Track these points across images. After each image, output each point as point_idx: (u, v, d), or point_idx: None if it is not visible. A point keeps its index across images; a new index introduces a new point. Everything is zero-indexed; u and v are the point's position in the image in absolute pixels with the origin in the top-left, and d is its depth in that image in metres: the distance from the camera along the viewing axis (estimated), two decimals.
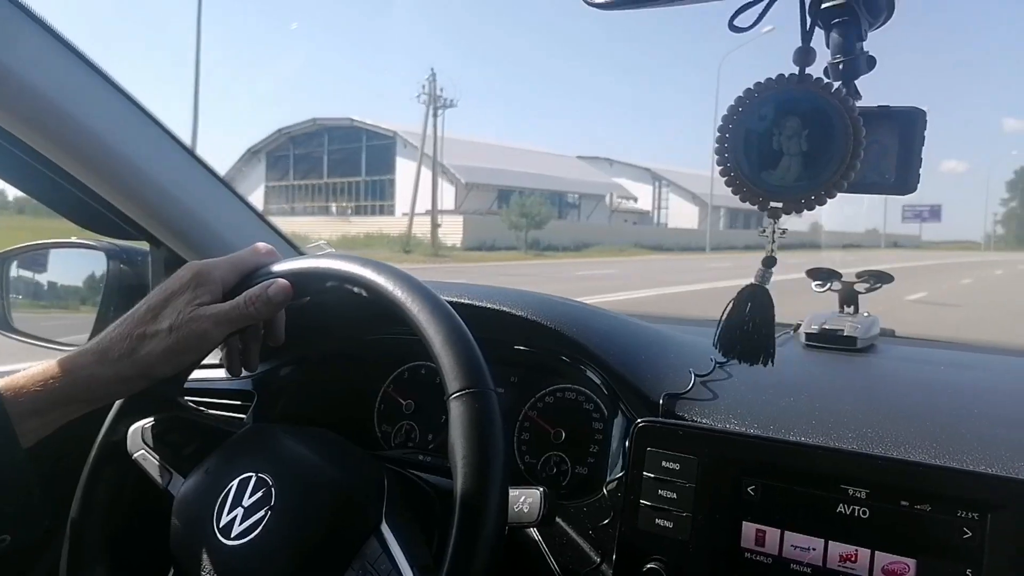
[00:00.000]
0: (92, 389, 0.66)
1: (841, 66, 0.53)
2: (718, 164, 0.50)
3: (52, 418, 0.65)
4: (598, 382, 0.83)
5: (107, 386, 0.67)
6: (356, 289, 0.67)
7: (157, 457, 0.73)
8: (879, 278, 0.99)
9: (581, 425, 0.86)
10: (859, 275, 1.03)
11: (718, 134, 0.50)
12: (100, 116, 0.89)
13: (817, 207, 0.48)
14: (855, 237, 58.26)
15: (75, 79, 0.87)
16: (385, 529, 0.62)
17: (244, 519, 0.64)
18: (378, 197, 42.54)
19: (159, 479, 0.73)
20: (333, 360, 1.03)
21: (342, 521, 0.62)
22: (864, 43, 0.54)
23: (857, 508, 0.60)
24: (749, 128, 0.50)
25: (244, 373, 1.03)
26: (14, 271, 1.14)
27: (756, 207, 0.50)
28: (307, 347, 1.02)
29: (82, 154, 0.89)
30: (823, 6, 0.51)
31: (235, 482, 0.67)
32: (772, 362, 0.53)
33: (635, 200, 50.21)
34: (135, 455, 0.74)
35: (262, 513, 0.63)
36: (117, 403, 0.75)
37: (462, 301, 0.86)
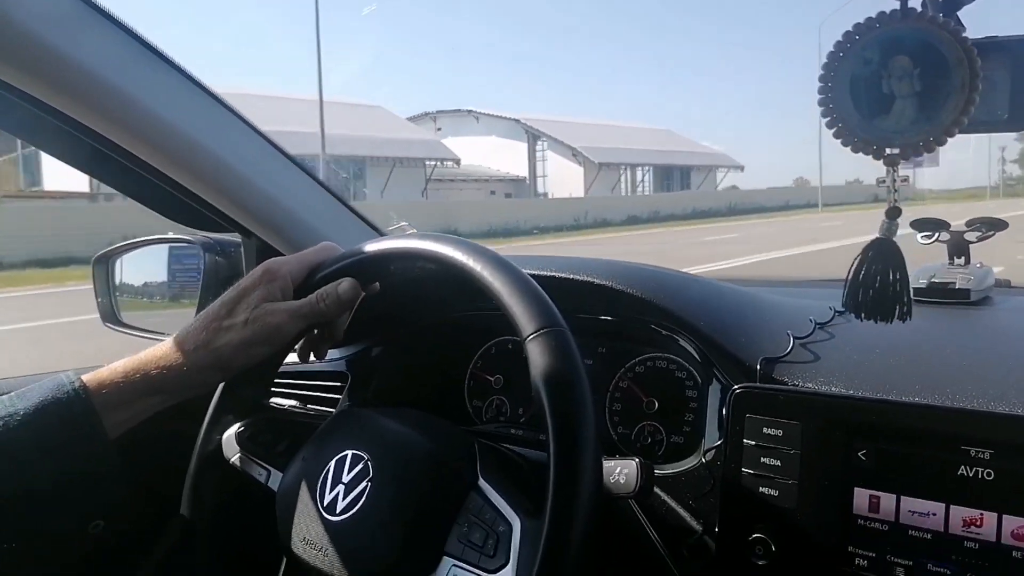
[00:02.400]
0: (171, 380, 0.70)
1: None
2: (824, 116, 0.47)
3: (136, 410, 0.68)
4: (690, 350, 0.80)
5: (185, 376, 0.70)
6: (420, 264, 0.69)
7: (253, 458, 0.77)
8: (991, 225, 0.92)
9: (674, 393, 0.84)
10: (969, 223, 0.96)
11: (820, 84, 0.47)
12: (190, 118, 0.92)
13: (936, 149, 0.45)
14: (837, 192, 47.73)
15: (166, 84, 0.90)
16: (483, 483, 0.63)
17: (346, 494, 0.66)
18: None
19: (259, 478, 0.76)
20: (422, 338, 1.05)
21: (440, 481, 0.63)
22: None
23: (981, 470, 0.56)
24: (854, 74, 0.46)
25: (335, 355, 1.06)
26: (119, 268, 1.20)
27: (870, 156, 0.47)
28: (395, 326, 1.04)
29: (174, 153, 0.93)
30: None
31: (332, 462, 0.68)
32: (910, 316, 0.49)
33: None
34: (232, 459, 0.78)
35: (363, 486, 0.65)
36: (209, 413, 0.79)
37: (545, 273, 0.85)
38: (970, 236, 0.95)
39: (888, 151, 0.47)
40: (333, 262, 0.75)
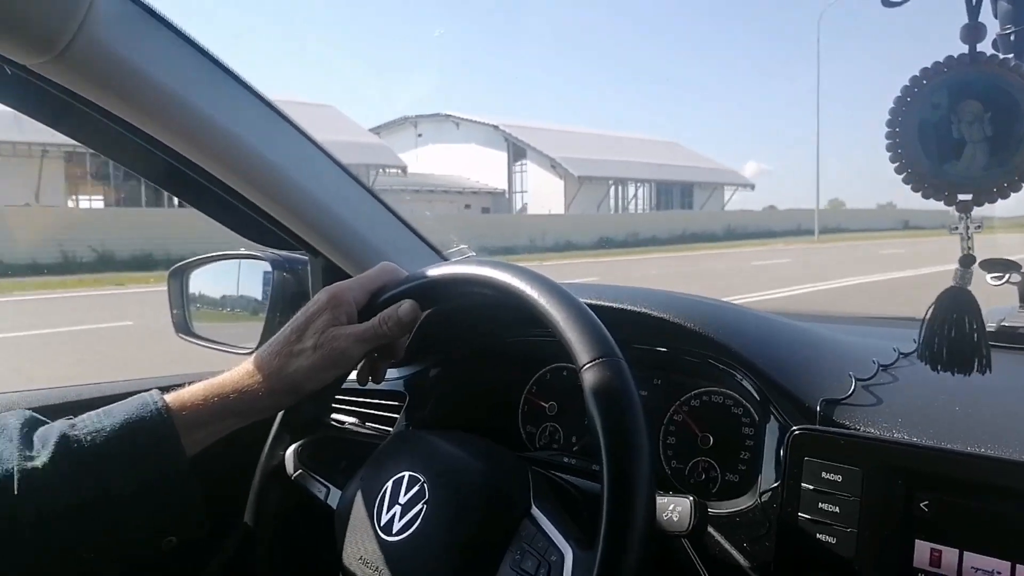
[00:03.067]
0: (246, 403, 0.73)
1: (1013, 36, 0.48)
2: (892, 161, 0.47)
3: (212, 430, 0.72)
4: (748, 387, 0.79)
5: (260, 400, 0.74)
6: (478, 290, 0.70)
7: (314, 475, 0.79)
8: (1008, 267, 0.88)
9: (730, 430, 0.83)
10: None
11: (887, 129, 0.47)
12: (265, 141, 0.96)
13: (1011, 195, 0.44)
14: (869, 216, 44.53)
15: (245, 108, 0.95)
16: (536, 512, 0.64)
17: (403, 515, 0.67)
18: None
19: (318, 494, 0.78)
20: (478, 361, 1.06)
21: (495, 507, 0.65)
22: None
23: None
24: (923, 119, 0.46)
25: (394, 375, 1.08)
26: (193, 281, 1.25)
27: (942, 203, 0.46)
28: (454, 349, 1.05)
29: (248, 173, 0.97)
30: None
31: (390, 483, 0.70)
32: (990, 368, 0.48)
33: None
34: (294, 476, 0.80)
35: (419, 508, 0.66)
36: (273, 430, 0.82)
37: (602, 303, 0.85)
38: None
39: (960, 197, 0.46)
40: (394, 286, 0.78)
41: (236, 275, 1.24)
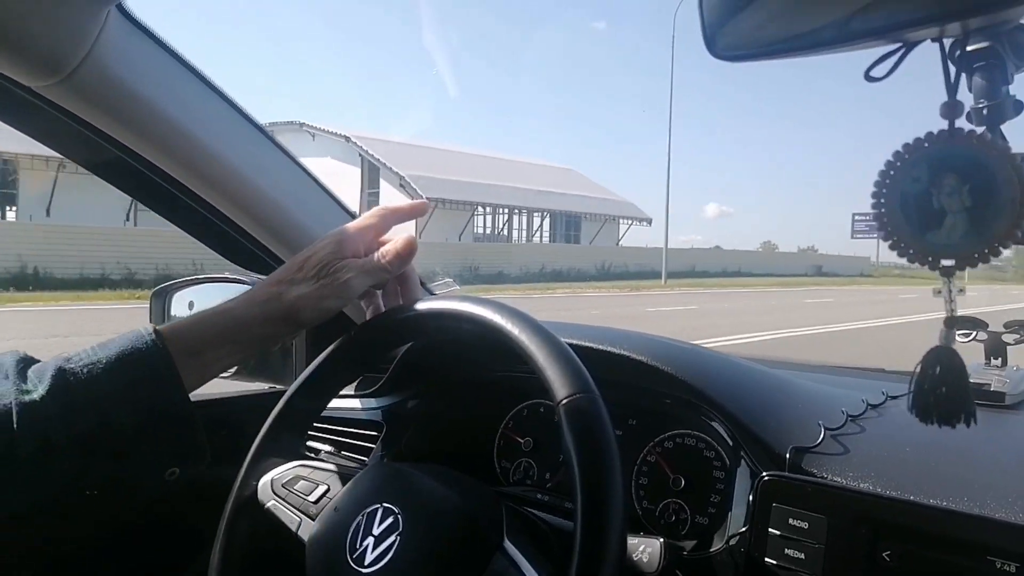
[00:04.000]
0: (243, 330, 0.73)
1: (986, 111, 0.51)
2: (878, 229, 0.49)
3: (208, 359, 0.72)
4: (721, 431, 0.81)
5: (257, 327, 0.74)
6: (461, 325, 0.71)
7: (288, 505, 0.79)
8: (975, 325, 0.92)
9: (702, 473, 0.85)
10: (1007, 325, 0.96)
11: (873, 200, 0.50)
12: (259, 167, 0.98)
13: (992, 260, 0.47)
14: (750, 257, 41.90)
15: (240, 134, 0.97)
16: (508, 545, 0.64)
17: (376, 546, 0.68)
18: None
19: (290, 525, 0.78)
20: (457, 394, 1.07)
21: (467, 540, 0.65)
22: (1010, 86, 0.52)
23: None
24: (905, 191, 0.48)
25: (372, 404, 1.09)
26: (175, 302, 1.25)
27: (926, 267, 0.49)
28: (433, 381, 1.06)
29: (242, 200, 0.99)
30: (967, 49, 0.50)
31: (363, 514, 0.71)
32: (975, 422, 0.51)
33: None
34: (267, 505, 0.80)
35: (392, 539, 0.67)
36: (247, 459, 0.82)
37: (580, 343, 0.87)
38: (1008, 338, 0.95)
39: (943, 263, 0.49)
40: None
41: (219, 298, 1.24)
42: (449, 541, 0.66)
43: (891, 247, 0.51)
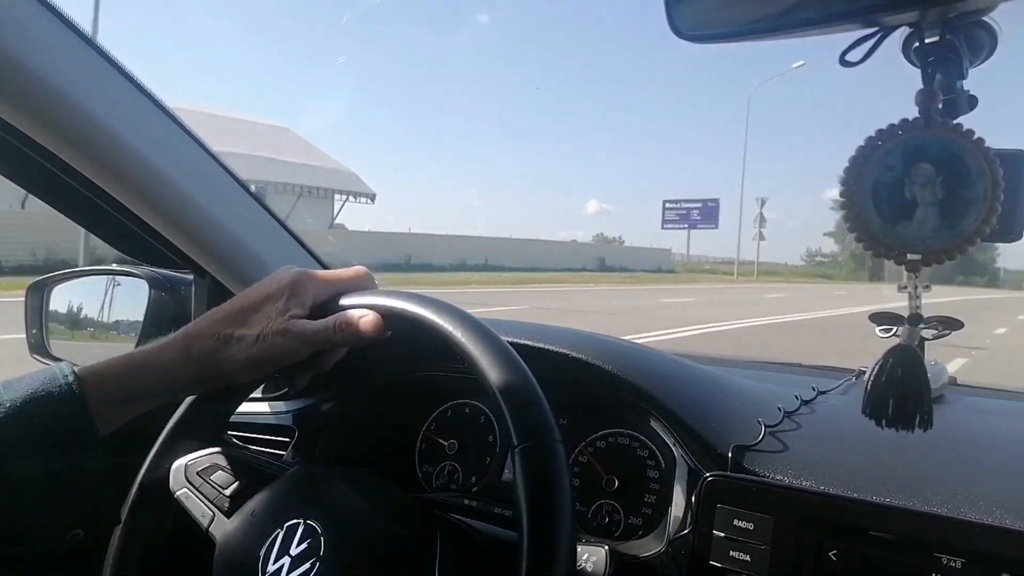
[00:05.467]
0: (170, 384, 0.66)
1: (941, 105, 0.51)
2: (845, 220, 0.48)
3: (130, 409, 0.65)
4: (658, 430, 0.79)
5: (185, 383, 0.67)
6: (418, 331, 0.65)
7: (200, 496, 0.71)
8: (948, 325, 0.95)
9: (635, 473, 0.83)
10: (926, 321, 0.99)
11: (842, 187, 0.48)
12: (153, 145, 0.88)
13: (959, 256, 0.45)
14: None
15: (123, 99, 0.86)
16: None
17: (292, 568, 0.61)
18: None
19: (201, 519, 0.70)
20: (375, 396, 1.01)
21: (395, 570, 0.59)
22: (965, 81, 0.51)
23: None
24: (877, 179, 0.47)
25: (282, 408, 1.01)
26: (54, 297, 1.13)
27: (892, 262, 0.47)
28: (350, 382, 1.00)
29: (129, 180, 0.88)
30: (925, 42, 0.49)
31: (282, 529, 0.64)
32: (930, 425, 0.49)
33: None
34: (177, 493, 0.72)
35: (311, 563, 0.60)
36: (160, 439, 0.73)
37: (519, 342, 0.83)
38: (927, 333, 0.97)
39: (910, 257, 0.47)
40: (359, 303, 0.69)
41: (107, 292, 1.13)
42: (373, 573, 0.60)
43: (857, 239, 0.50)
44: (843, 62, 0.46)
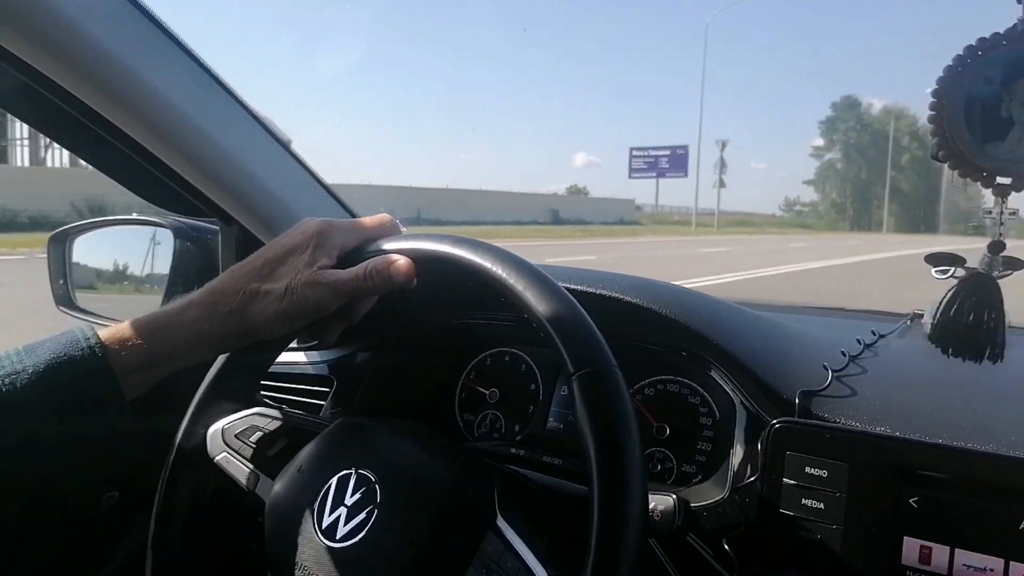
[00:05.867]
0: (197, 344, 0.63)
1: None
2: (932, 135, 0.44)
3: (156, 372, 0.62)
4: (716, 377, 0.76)
5: (212, 342, 0.65)
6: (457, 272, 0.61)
7: (242, 459, 0.69)
8: (1009, 264, 0.91)
9: (688, 420, 0.80)
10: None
11: (933, 99, 0.43)
12: (180, 91, 0.84)
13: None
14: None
15: (152, 46, 0.82)
16: (503, 524, 0.57)
17: (348, 519, 0.59)
18: None
19: (244, 482, 0.68)
20: (412, 346, 0.98)
21: (455, 517, 0.57)
22: None
23: None
24: (972, 93, 0.43)
25: (318, 358, 0.98)
26: (77, 248, 1.10)
27: (980, 183, 0.43)
28: (387, 331, 0.97)
29: (156, 125, 0.84)
30: None
31: (334, 480, 0.62)
32: (1001, 359, 0.46)
33: None
34: (216, 458, 0.70)
35: (368, 512, 0.58)
36: (193, 404, 0.71)
37: (572, 287, 0.79)
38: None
39: (999, 180, 0.43)
40: (389, 248, 0.66)
41: (129, 243, 1.09)
42: (434, 517, 0.57)
43: (943, 156, 0.46)
44: None
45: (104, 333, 0.60)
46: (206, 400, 0.71)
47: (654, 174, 51.75)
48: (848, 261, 15.78)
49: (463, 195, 36.74)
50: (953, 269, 0.96)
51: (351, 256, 0.66)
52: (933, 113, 0.44)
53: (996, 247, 0.47)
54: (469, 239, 0.62)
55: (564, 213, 40.50)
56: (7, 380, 0.54)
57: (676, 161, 50.50)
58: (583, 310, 0.56)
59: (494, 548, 0.55)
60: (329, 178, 1.03)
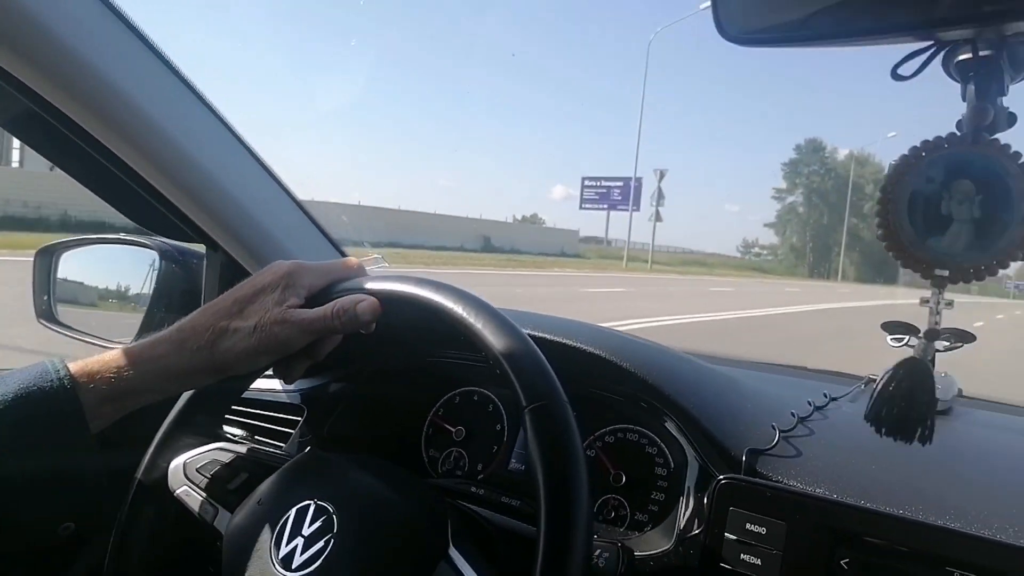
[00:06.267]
0: (166, 379, 0.65)
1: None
2: (878, 227, 0.47)
3: (123, 405, 0.64)
4: (671, 429, 0.79)
5: (181, 377, 0.66)
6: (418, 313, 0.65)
7: (202, 493, 0.71)
8: (960, 337, 0.95)
9: (643, 469, 0.83)
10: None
11: (880, 195, 0.47)
12: (170, 115, 0.87)
13: (988, 278, 0.45)
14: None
15: (149, 72, 0.85)
16: (454, 553, 0.60)
17: (305, 549, 0.61)
18: None
19: (204, 515, 0.70)
20: (384, 380, 1.01)
21: (409, 547, 0.60)
22: (1005, 98, 0.51)
23: None
24: (915, 190, 0.46)
25: (292, 387, 1.01)
26: (63, 264, 1.12)
27: (919, 275, 0.47)
28: (360, 364, 0.99)
29: (149, 150, 0.87)
30: (960, 59, 0.49)
31: (292, 511, 0.64)
32: (930, 441, 0.49)
33: None
34: (177, 492, 0.72)
35: (323, 542, 0.61)
36: (156, 438, 0.73)
37: (535, 334, 0.82)
38: (938, 345, 0.97)
39: (937, 272, 0.47)
40: (352, 288, 0.70)
41: (116, 261, 1.12)
42: (389, 548, 0.60)
43: (887, 247, 0.49)
44: (895, 76, 0.45)
45: (74, 366, 0.62)
46: (170, 434, 0.73)
47: (605, 206, 49.60)
48: (762, 313, 14.59)
49: (386, 214, 35.07)
50: (907, 338, 1.01)
51: (319, 296, 0.69)
52: (879, 207, 0.48)
53: (931, 335, 0.51)
54: (432, 280, 0.65)
55: (497, 241, 39.51)
56: None
57: (628, 193, 47.31)
58: (536, 348, 0.59)
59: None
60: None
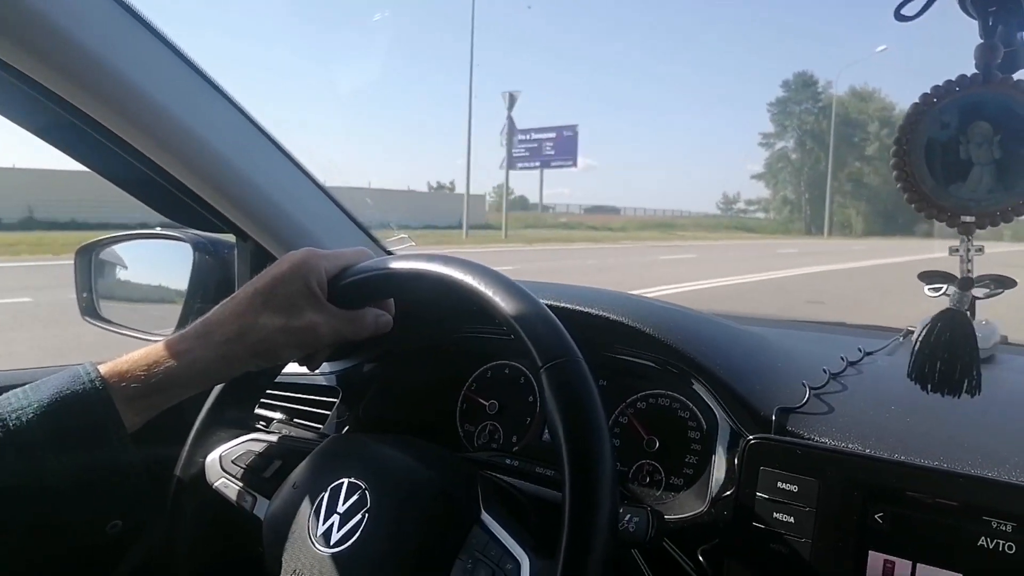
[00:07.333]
0: (195, 373, 0.67)
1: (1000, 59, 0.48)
2: (897, 180, 0.46)
3: (156, 402, 0.65)
4: (700, 392, 0.78)
5: (211, 371, 0.68)
6: (435, 287, 0.66)
7: (239, 483, 0.74)
8: (1000, 283, 0.92)
9: (677, 434, 0.83)
10: (977, 279, 0.96)
11: (894, 147, 0.46)
12: (198, 112, 0.89)
13: (1015, 219, 0.44)
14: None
15: (176, 76, 0.87)
16: (487, 518, 0.61)
17: (341, 525, 0.63)
18: None
19: (244, 505, 0.73)
20: (416, 357, 1.02)
21: (442, 516, 0.61)
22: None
23: (1002, 543, 0.55)
24: (931, 137, 0.45)
25: (326, 369, 1.03)
26: (103, 260, 1.15)
27: (944, 223, 0.46)
28: (392, 343, 1.01)
29: (175, 147, 0.89)
30: None
31: (327, 491, 0.66)
32: (979, 391, 0.48)
33: None
34: (215, 484, 0.74)
35: (359, 517, 0.62)
36: (191, 434, 0.76)
37: (557, 304, 0.83)
38: (977, 292, 0.95)
39: (963, 219, 0.46)
40: (364, 268, 0.72)
41: (152, 256, 1.15)
42: (422, 516, 0.62)
43: (908, 199, 0.48)
44: (898, 16, 0.44)
45: (104, 368, 0.63)
46: (204, 429, 0.75)
47: (537, 163, 40.62)
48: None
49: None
50: (945, 287, 0.98)
51: (334, 281, 0.71)
52: (895, 159, 0.46)
53: (965, 283, 0.50)
54: (442, 255, 0.66)
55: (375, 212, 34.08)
56: (13, 416, 0.58)
57: (564, 146, 39.09)
58: (548, 310, 0.60)
59: (479, 540, 0.59)
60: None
